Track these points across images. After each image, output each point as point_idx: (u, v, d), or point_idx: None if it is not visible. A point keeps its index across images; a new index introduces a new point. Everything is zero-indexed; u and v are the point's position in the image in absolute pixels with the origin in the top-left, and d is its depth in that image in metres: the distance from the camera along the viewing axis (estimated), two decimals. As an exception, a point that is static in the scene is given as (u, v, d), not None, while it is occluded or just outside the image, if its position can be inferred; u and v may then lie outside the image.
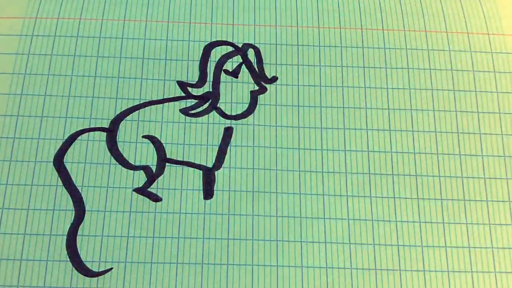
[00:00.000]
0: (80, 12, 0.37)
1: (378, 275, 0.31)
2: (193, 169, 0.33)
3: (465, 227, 0.33)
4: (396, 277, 0.31)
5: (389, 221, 0.33)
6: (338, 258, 0.32)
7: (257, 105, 0.35)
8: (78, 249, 0.31)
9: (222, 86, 0.35)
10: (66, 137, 0.33)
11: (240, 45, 0.36)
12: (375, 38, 0.37)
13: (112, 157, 0.33)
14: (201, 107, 0.34)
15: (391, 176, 0.33)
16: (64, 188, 0.32)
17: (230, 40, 0.36)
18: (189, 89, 0.35)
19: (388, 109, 0.35)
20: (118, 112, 0.34)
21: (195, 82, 0.35)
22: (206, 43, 0.36)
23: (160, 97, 0.34)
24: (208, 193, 0.32)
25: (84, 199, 0.32)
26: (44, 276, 0.30)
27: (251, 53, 0.36)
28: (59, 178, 0.32)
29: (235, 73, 0.35)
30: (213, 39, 0.36)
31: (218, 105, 0.35)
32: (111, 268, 0.31)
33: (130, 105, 0.34)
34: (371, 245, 0.32)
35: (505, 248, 0.32)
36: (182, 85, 0.35)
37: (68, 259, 0.31)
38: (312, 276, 0.31)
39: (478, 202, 0.33)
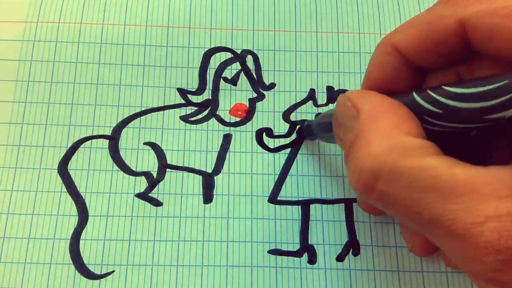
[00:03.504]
0: (81, 16, 0.37)
1: (376, 276, 0.32)
2: (193, 174, 0.34)
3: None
4: (394, 277, 0.32)
5: (387, 222, 0.33)
6: (336, 259, 0.32)
7: (255, 112, 0.35)
8: (81, 253, 0.31)
9: (221, 94, 0.36)
10: (69, 145, 0.34)
11: (239, 51, 0.37)
12: (373, 43, 0.37)
13: (114, 163, 0.34)
14: (200, 114, 0.35)
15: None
16: (68, 194, 0.33)
17: (229, 45, 0.37)
18: (189, 96, 0.35)
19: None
20: (120, 119, 0.35)
21: (195, 90, 0.36)
22: (206, 49, 0.37)
23: (161, 104, 0.35)
24: (207, 197, 0.33)
25: (87, 204, 0.32)
26: (47, 279, 0.31)
27: (249, 60, 0.37)
28: (63, 185, 0.33)
29: (233, 81, 0.36)
30: (213, 45, 0.37)
31: (217, 112, 0.35)
32: (113, 271, 0.31)
33: (131, 112, 0.35)
34: (369, 246, 0.32)
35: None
36: (182, 92, 0.36)
37: (71, 263, 0.31)
38: (311, 278, 0.31)
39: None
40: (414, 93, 0.24)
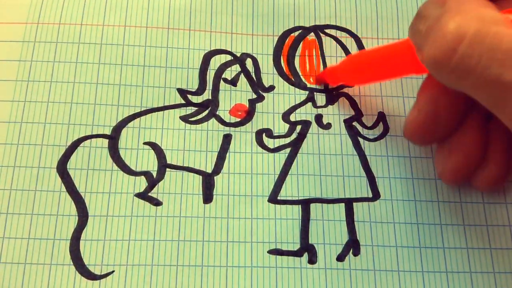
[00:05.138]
0: (81, 17, 0.37)
1: (376, 276, 0.32)
2: (193, 174, 0.33)
3: (463, 228, 0.33)
4: (394, 277, 0.32)
5: (387, 222, 0.33)
6: (336, 259, 0.32)
7: (255, 113, 0.35)
8: (81, 253, 0.31)
9: (221, 94, 0.36)
10: (69, 144, 0.34)
11: (238, 54, 0.37)
12: (370, 46, 0.38)
13: (114, 163, 0.33)
14: (200, 115, 0.35)
15: (387, 179, 0.34)
16: (67, 193, 0.32)
17: (228, 49, 0.37)
18: (189, 96, 0.35)
19: (384, 114, 0.36)
20: (119, 119, 0.34)
21: (195, 90, 0.36)
22: (206, 51, 0.37)
23: (161, 104, 0.35)
24: (207, 197, 0.33)
25: (87, 204, 0.32)
26: (47, 280, 0.30)
27: (249, 63, 0.37)
28: (62, 184, 0.33)
29: (233, 82, 0.36)
30: (213, 48, 0.37)
31: (217, 113, 0.35)
32: (113, 271, 0.31)
33: (131, 112, 0.35)
34: (370, 246, 0.32)
35: (503, 249, 0.32)
36: (182, 92, 0.36)
37: (71, 263, 0.31)
38: (311, 278, 0.31)
39: (475, 204, 0.34)
40: None
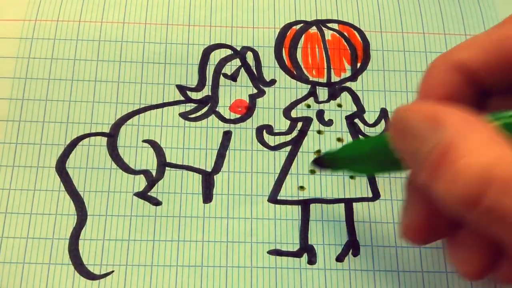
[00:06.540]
0: (80, 14, 0.37)
1: (376, 276, 0.32)
2: (192, 173, 0.33)
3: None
4: (394, 278, 0.32)
5: (387, 222, 0.33)
6: (336, 259, 0.32)
7: (256, 109, 0.35)
8: (80, 253, 0.31)
9: (221, 90, 0.35)
10: (67, 143, 0.33)
11: (239, 48, 0.36)
12: (373, 40, 0.37)
13: (113, 161, 0.33)
14: (200, 111, 0.35)
15: (388, 178, 0.34)
16: (66, 193, 0.32)
17: (228, 43, 0.37)
18: (188, 93, 0.35)
19: (387, 111, 0.35)
20: (118, 116, 0.34)
21: (194, 86, 0.35)
22: (205, 46, 0.36)
23: (160, 101, 0.35)
24: (207, 197, 0.33)
25: (86, 203, 0.32)
26: (46, 280, 0.31)
27: (249, 56, 0.36)
28: (61, 183, 0.33)
29: (233, 77, 0.36)
30: (212, 42, 0.36)
31: (217, 109, 0.35)
32: (113, 271, 0.31)
33: (130, 110, 0.34)
34: (369, 246, 0.32)
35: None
36: (181, 89, 0.35)
37: (70, 263, 0.31)
38: (310, 278, 0.31)
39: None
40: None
